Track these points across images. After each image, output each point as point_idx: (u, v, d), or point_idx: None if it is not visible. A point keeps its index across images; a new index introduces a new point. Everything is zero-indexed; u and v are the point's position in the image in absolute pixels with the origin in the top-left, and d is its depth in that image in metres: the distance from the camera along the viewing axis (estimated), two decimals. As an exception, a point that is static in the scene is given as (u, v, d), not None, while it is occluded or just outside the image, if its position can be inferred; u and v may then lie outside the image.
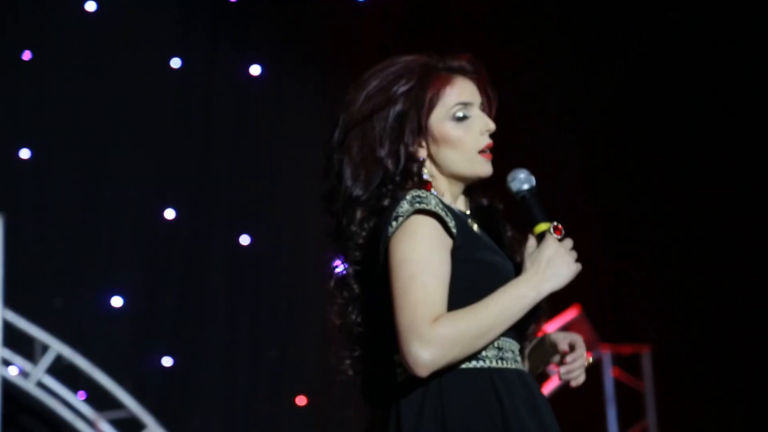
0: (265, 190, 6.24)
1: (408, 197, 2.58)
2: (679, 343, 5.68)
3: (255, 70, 6.23)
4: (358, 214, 2.65)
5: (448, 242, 2.58)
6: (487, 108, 2.75)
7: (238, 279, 6.12)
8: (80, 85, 6.04)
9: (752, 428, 5.86)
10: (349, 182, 2.66)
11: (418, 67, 2.70)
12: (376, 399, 2.68)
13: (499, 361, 2.58)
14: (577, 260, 2.61)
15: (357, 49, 6.37)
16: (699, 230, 6.06)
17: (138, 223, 6.08)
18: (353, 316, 2.67)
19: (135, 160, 6.06)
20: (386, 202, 2.63)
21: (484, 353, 2.57)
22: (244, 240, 6.13)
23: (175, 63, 6.11)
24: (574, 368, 2.69)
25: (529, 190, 2.67)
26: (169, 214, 6.05)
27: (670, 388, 5.77)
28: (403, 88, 2.67)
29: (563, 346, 2.70)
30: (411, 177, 2.66)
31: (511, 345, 2.61)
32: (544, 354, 2.74)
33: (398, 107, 2.66)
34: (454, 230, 2.58)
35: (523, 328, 2.66)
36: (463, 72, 2.73)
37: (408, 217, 2.57)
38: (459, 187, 2.73)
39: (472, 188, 2.76)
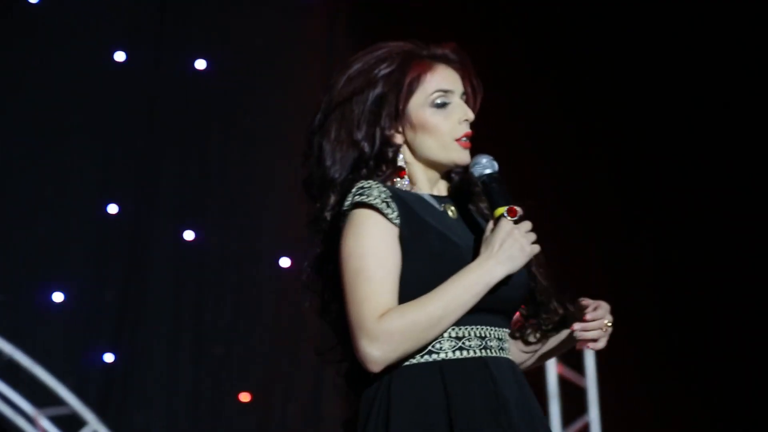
0: (210, 186, 6.19)
1: (353, 190, 2.58)
2: (622, 339, 5.70)
3: (200, 64, 6.18)
4: (332, 199, 2.66)
5: (395, 232, 2.57)
6: (471, 99, 2.75)
7: (182, 275, 6.08)
8: (22, 79, 5.97)
9: (693, 423, 5.90)
10: (327, 163, 2.66)
11: (402, 52, 2.70)
12: (354, 387, 2.66)
13: (458, 352, 2.56)
14: (537, 242, 2.59)
15: (303, 45, 6.34)
16: (646, 230, 6.07)
17: (80, 218, 6.01)
18: (329, 305, 2.67)
19: (78, 155, 6.00)
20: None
21: (438, 345, 2.55)
22: (189, 236, 6.08)
23: (120, 56, 6.05)
24: (589, 327, 2.66)
25: (490, 175, 2.66)
26: (112, 209, 5.99)
27: (613, 385, 5.80)
28: (383, 72, 2.67)
29: (586, 302, 2.69)
30: (385, 161, 2.67)
31: (483, 332, 2.59)
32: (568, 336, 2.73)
33: (377, 90, 2.66)
34: (396, 221, 2.56)
35: (507, 312, 2.64)
36: (446, 60, 2.73)
37: (351, 210, 2.57)
38: (436, 174, 2.73)
39: (455, 177, 2.76)
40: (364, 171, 2.65)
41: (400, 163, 2.68)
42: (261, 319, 6.14)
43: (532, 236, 2.57)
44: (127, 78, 6.06)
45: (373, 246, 2.54)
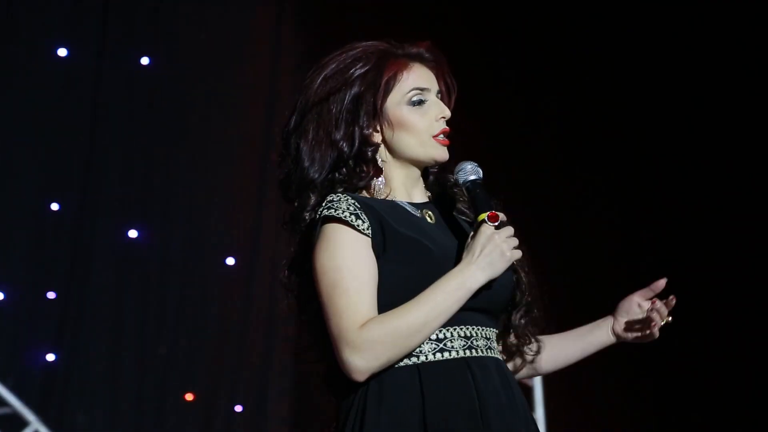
0: (155, 184, 6.13)
1: (324, 203, 2.60)
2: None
3: (144, 60, 6.12)
4: (312, 200, 2.67)
5: (367, 242, 2.58)
6: (446, 97, 2.77)
7: (125, 274, 6.01)
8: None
9: (639, 423, 5.92)
10: (305, 164, 2.66)
11: (377, 51, 2.71)
12: (333, 389, 2.69)
13: (438, 354, 2.57)
14: (518, 248, 2.60)
15: (249, 40, 6.31)
16: (597, 231, 6.08)
17: (22, 216, 5.93)
18: (307, 305, 2.69)
19: (19, 152, 5.92)
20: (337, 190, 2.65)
21: (418, 348, 2.56)
22: (132, 234, 6.02)
23: (62, 52, 5.98)
24: (662, 311, 2.82)
25: (474, 182, 2.68)
26: (54, 206, 5.92)
27: (558, 384, 5.80)
28: (359, 71, 2.68)
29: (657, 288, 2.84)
30: (365, 161, 2.68)
31: (468, 332, 2.59)
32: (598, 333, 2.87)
33: (354, 90, 2.68)
34: (367, 231, 2.58)
35: (492, 312, 2.65)
36: (421, 59, 2.75)
37: (322, 225, 2.59)
38: (415, 172, 2.75)
39: (434, 177, 2.79)
40: (344, 170, 2.67)
41: (379, 162, 2.71)
42: (206, 318, 6.10)
43: (514, 241, 2.59)
44: (69, 74, 5.99)
45: (345, 258, 2.56)
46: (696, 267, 5.74)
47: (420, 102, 2.71)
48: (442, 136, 2.71)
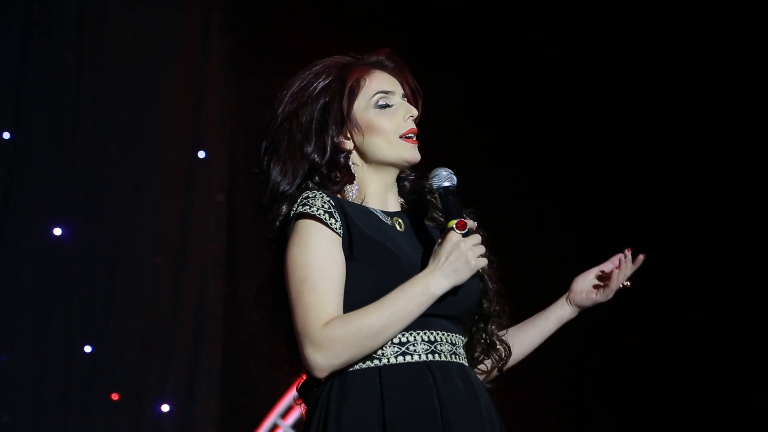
0: (81, 182, 6.06)
1: (298, 200, 2.64)
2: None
3: (70, 57, 6.06)
4: (284, 210, 2.69)
5: (338, 240, 2.61)
6: (411, 101, 2.81)
7: (50, 272, 5.94)
8: None
9: (592, 423, 5.93)
10: (277, 179, 2.70)
11: (338, 64, 2.78)
12: (305, 398, 2.72)
13: (400, 357, 2.59)
14: (487, 256, 2.62)
15: (176, 39, 6.27)
16: (558, 232, 6.09)
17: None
18: (281, 317, 2.70)
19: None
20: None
21: (380, 351, 2.59)
22: (57, 232, 5.95)
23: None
24: (626, 269, 2.95)
25: (447, 188, 2.70)
26: (-22, 204, 5.84)
27: (514, 384, 5.79)
28: (323, 83, 2.74)
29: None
30: (338, 168, 2.72)
31: (432, 336, 2.61)
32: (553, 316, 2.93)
33: (321, 101, 2.73)
34: (339, 230, 2.61)
35: (458, 318, 2.66)
36: (382, 66, 2.81)
37: (295, 221, 2.63)
38: (388, 176, 2.78)
39: (410, 184, 2.82)
40: (317, 179, 2.70)
41: (352, 168, 2.74)
42: (133, 317, 6.05)
43: (480, 249, 2.61)
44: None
45: (316, 255, 2.58)
46: (695, 267, 5.76)
47: (386, 105, 2.75)
48: (411, 135, 2.75)
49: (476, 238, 2.61)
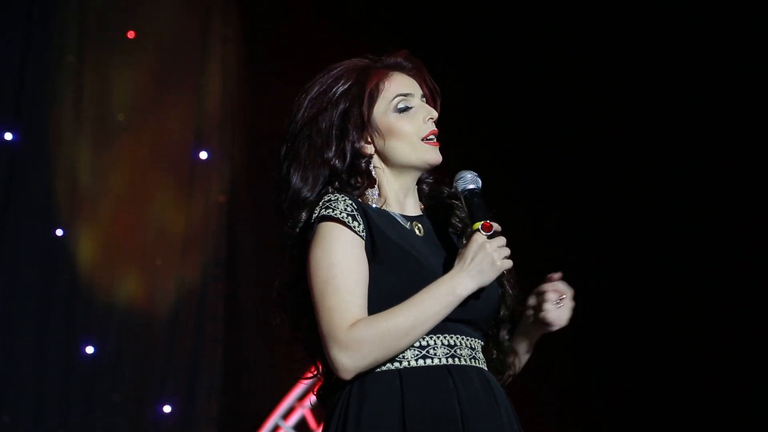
0: (82, 183, 6.06)
1: (320, 203, 2.64)
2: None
3: (70, 57, 6.06)
4: (304, 217, 2.69)
5: (361, 243, 2.62)
6: (430, 101, 2.81)
7: (51, 273, 5.94)
8: None
9: (592, 423, 5.93)
10: (297, 185, 2.70)
11: (356, 67, 2.77)
12: (324, 402, 2.72)
13: (421, 360, 2.59)
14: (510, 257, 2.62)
15: (178, 40, 6.27)
16: (551, 237, 6.09)
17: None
18: (301, 321, 2.71)
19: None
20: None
21: (401, 354, 2.59)
22: (58, 233, 5.95)
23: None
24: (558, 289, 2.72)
25: (471, 191, 2.70)
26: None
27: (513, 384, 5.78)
28: (342, 88, 2.73)
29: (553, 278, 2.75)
30: (359, 173, 2.72)
31: (452, 340, 2.61)
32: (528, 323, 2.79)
33: (340, 106, 2.72)
34: (362, 233, 2.62)
35: (478, 323, 2.67)
36: (400, 68, 2.80)
37: (318, 223, 2.63)
38: (409, 179, 2.78)
39: (429, 188, 2.81)
40: (337, 184, 2.70)
41: (373, 172, 2.74)
42: (134, 318, 6.04)
43: (505, 251, 2.61)
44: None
45: (340, 257, 2.59)
46: (696, 267, 5.76)
47: (406, 108, 2.75)
48: (432, 137, 2.74)
49: (501, 240, 2.62)
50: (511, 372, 2.82)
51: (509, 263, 2.62)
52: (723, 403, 5.63)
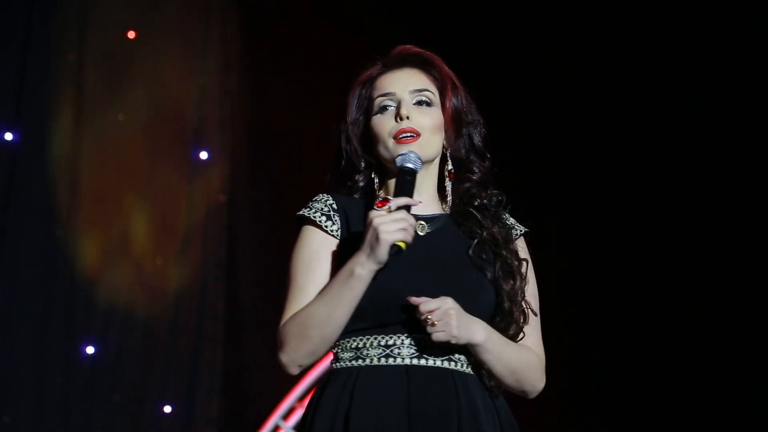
0: (82, 184, 6.05)
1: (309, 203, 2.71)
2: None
3: (71, 57, 6.06)
4: None
5: (333, 243, 2.65)
6: (447, 90, 2.77)
7: (51, 274, 5.93)
8: None
9: (590, 423, 5.93)
10: (330, 181, 2.80)
11: (364, 73, 2.81)
12: None
13: (383, 359, 2.58)
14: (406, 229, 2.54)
15: (179, 40, 6.27)
16: (549, 234, 6.08)
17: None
18: None
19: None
20: None
21: (366, 352, 2.59)
22: (57, 232, 5.94)
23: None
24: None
25: (406, 169, 2.65)
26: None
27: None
28: (351, 99, 2.79)
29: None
30: (357, 172, 2.77)
31: (421, 341, 2.57)
32: None
33: (348, 116, 2.78)
34: (336, 233, 2.65)
35: (410, 318, 2.59)
36: (394, 66, 2.79)
37: (296, 223, 2.70)
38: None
39: (464, 192, 2.76)
40: (349, 183, 2.76)
41: (373, 176, 2.76)
42: (134, 318, 6.04)
43: (400, 225, 2.51)
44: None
45: (303, 257, 2.64)
46: (696, 267, 5.75)
47: (385, 107, 2.74)
48: (405, 135, 2.70)
49: (396, 214, 2.52)
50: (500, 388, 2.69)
51: (399, 236, 2.49)
52: (723, 403, 5.63)
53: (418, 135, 2.69)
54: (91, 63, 6.09)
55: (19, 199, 5.91)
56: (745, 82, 5.71)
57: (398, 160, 2.66)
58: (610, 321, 5.93)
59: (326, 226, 2.65)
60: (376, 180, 2.76)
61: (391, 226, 2.50)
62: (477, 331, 2.58)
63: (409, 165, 2.64)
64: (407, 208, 2.56)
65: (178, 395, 6.04)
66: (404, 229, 2.51)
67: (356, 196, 2.76)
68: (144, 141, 6.13)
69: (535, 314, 2.73)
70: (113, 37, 6.14)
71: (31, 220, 5.92)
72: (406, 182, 2.63)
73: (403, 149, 2.68)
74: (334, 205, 2.68)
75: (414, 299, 2.54)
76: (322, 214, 2.66)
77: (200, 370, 6.09)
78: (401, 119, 2.70)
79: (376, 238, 2.50)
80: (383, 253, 2.51)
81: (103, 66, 6.11)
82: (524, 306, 2.69)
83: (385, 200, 2.56)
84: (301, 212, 2.69)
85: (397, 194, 2.60)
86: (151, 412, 6.00)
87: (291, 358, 2.57)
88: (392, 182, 2.71)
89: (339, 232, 2.66)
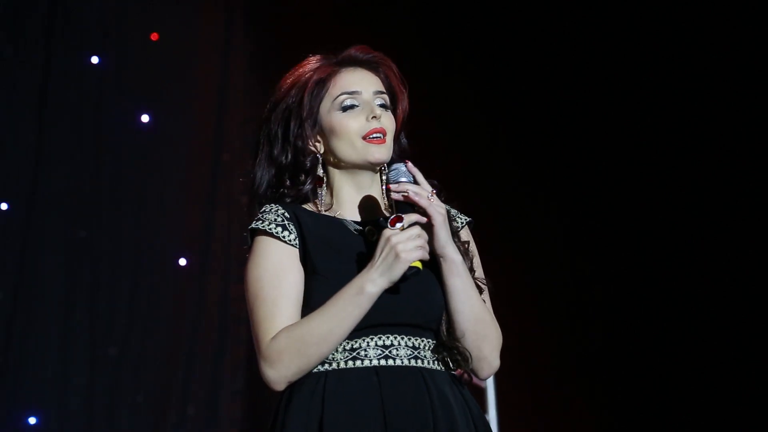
0: (104, 184, 6.07)
1: (258, 216, 2.65)
2: (521, 341, 5.73)
3: (93, 59, 6.07)
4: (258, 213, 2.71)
5: (294, 252, 2.61)
6: (398, 94, 2.76)
7: (74, 275, 5.95)
8: None
9: (591, 423, 5.93)
10: (256, 181, 2.74)
11: (311, 66, 2.76)
12: None
13: (350, 362, 2.57)
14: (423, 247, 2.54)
15: (199, 39, 6.28)
16: (552, 226, 6.08)
17: (-31, 216, 5.88)
18: None
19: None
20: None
21: (331, 356, 2.57)
22: (82, 234, 5.96)
23: (8, 51, 5.91)
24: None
25: (402, 183, 2.62)
26: (3, 206, 5.85)
27: (511, 385, 5.81)
28: (292, 89, 2.74)
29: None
30: (303, 171, 2.71)
31: (388, 341, 2.57)
32: None
33: (286, 105, 2.73)
34: (294, 242, 2.61)
35: (417, 324, 2.60)
36: (356, 62, 2.76)
37: (251, 237, 2.65)
38: (363, 180, 2.74)
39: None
40: (288, 183, 2.71)
41: (319, 171, 2.73)
42: (157, 319, 6.06)
43: (417, 242, 2.53)
44: (15, 73, 5.92)
45: (267, 270, 2.59)
46: (697, 267, 5.75)
47: (351, 106, 2.71)
48: (376, 135, 2.69)
49: (412, 231, 2.53)
50: (470, 359, 2.65)
51: (419, 254, 2.51)
52: (723, 403, 5.62)
53: (386, 136, 2.71)
54: (114, 65, 6.10)
55: (43, 201, 5.93)
56: (745, 82, 5.69)
57: (392, 176, 2.64)
58: (611, 321, 5.94)
59: (284, 237, 2.62)
60: (325, 179, 2.73)
61: (409, 244, 2.52)
62: (455, 249, 2.61)
63: (404, 179, 2.63)
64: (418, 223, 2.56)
65: (202, 396, 6.05)
66: (421, 247, 2.53)
67: (297, 203, 2.72)
68: (166, 142, 6.15)
69: (486, 288, 2.73)
70: (136, 39, 6.16)
71: (56, 221, 5.94)
72: (404, 201, 2.61)
73: (373, 149, 2.67)
74: (286, 214, 2.65)
75: (405, 185, 2.57)
76: (278, 225, 2.62)
77: (223, 372, 6.10)
78: (374, 119, 2.69)
79: (396, 257, 2.50)
80: (400, 272, 2.51)
81: (127, 68, 6.12)
82: (477, 282, 2.69)
83: (398, 218, 2.55)
84: (254, 225, 2.64)
85: (399, 211, 2.59)
86: (175, 413, 6.02)
87: (282, 375, 2.54)
88: (342, 185, 2.71)
89: (297, 241, 2.62)
